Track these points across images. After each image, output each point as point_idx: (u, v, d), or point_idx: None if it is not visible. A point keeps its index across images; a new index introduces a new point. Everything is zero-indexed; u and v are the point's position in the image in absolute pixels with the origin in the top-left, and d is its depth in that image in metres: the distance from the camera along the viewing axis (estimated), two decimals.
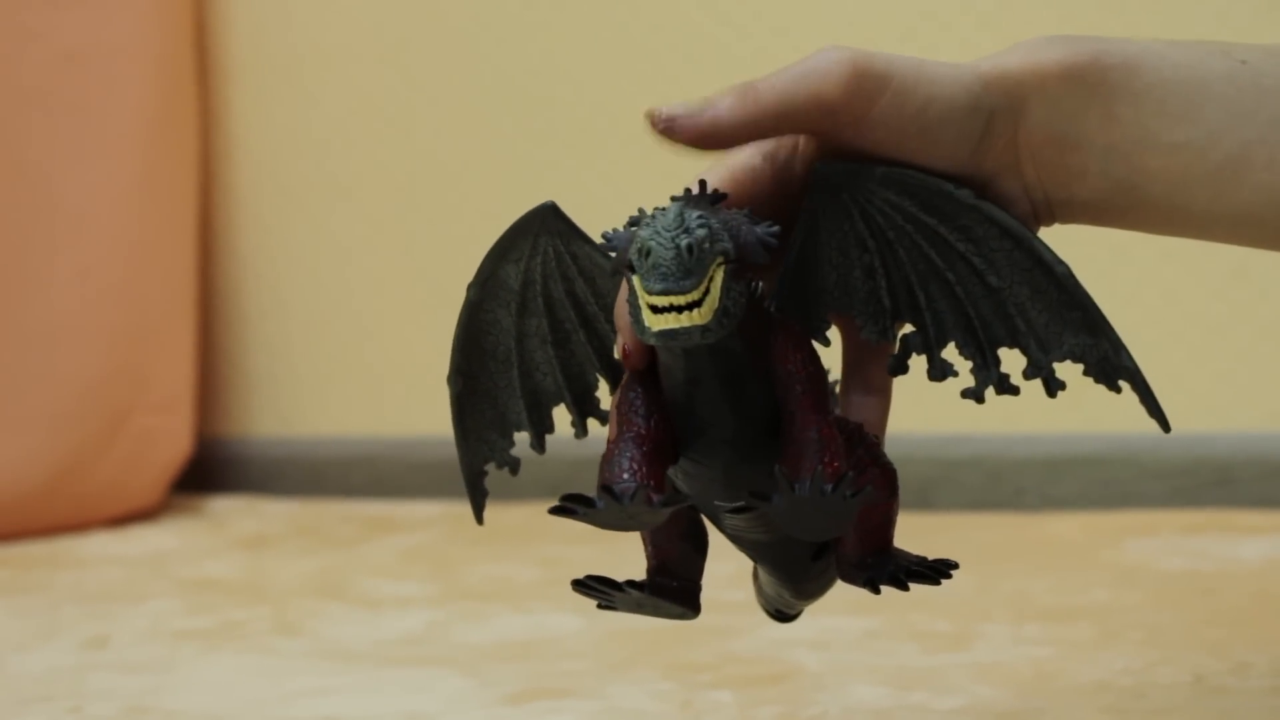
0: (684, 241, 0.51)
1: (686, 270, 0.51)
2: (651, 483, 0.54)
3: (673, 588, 0.60)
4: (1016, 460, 1.43)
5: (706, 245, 0.51)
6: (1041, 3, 1.41)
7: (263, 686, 0.91)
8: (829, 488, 0.52)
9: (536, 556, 1.30)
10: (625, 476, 0.54)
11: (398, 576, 1.27)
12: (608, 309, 0.62)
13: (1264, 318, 1.36)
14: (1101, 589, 1.06)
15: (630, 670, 0.88)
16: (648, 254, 0.51)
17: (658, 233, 0.52)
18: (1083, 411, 1.38)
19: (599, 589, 0.58)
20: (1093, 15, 1.38)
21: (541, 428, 0.65)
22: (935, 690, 0.81)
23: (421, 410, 1.71)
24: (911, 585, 0.59)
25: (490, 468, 0.66)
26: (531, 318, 0.63)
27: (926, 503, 1.44)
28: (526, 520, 1.49)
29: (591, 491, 0.53)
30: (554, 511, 0.53)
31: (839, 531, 0.55)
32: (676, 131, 0.57)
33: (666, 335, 0.52)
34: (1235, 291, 1.36)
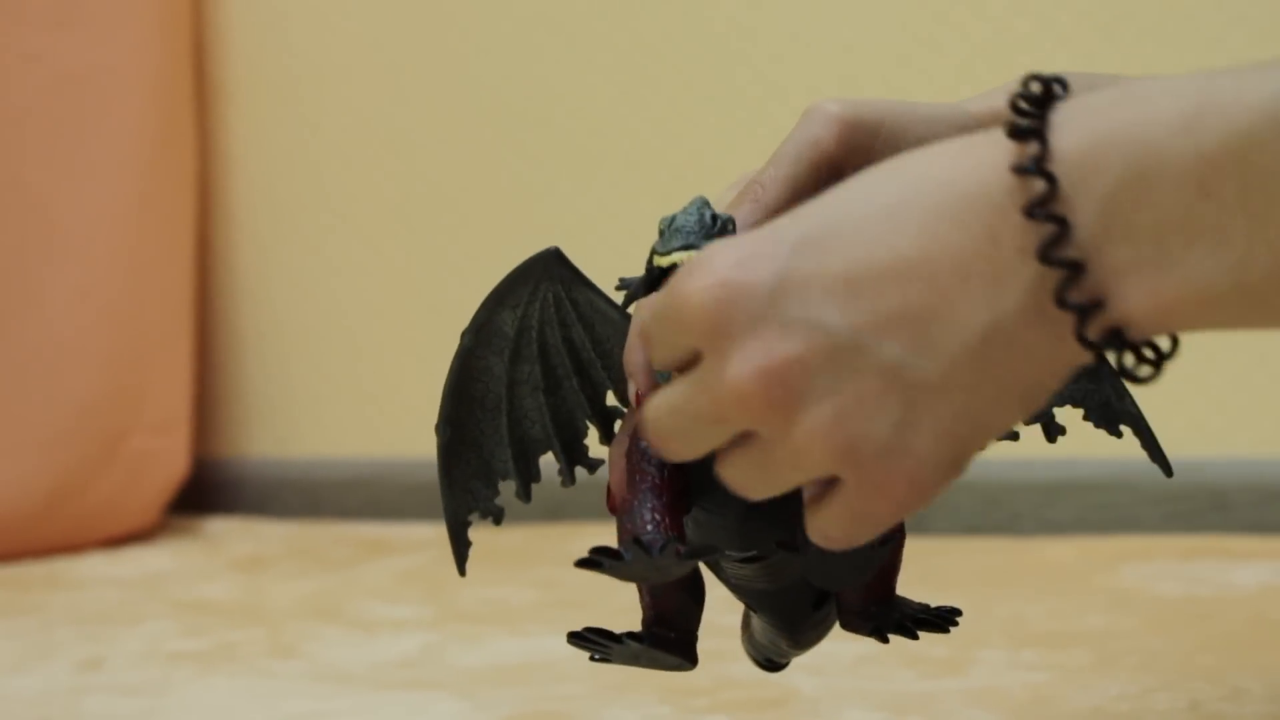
0: (709, 213, 0.52)
1: (709, 234, 0.51)
2: (675, 534, 0.54)
3: (670, 639, 0.59)
4: (1013, 484, 1.43)
5: (730, 228, 0.52)
6: (1036, 32, 1.41)
7: (258, 708, 0.91)
8: None
9: (533, 579, 1.30)
10: (650, 529, 0.54)
11: (393, 599, 1.27)
12: (605, 355, 0.62)
13: (1260, 344, 1.36)
14: (1097, 614, 1.06)
15: (626, 694, 0.88)
16: (671, 222, 0.52)
17: (682, 212, 0.53)
18: (1079, 436, 1.38)
19: (596, 641, 0.58)
20: (1087, 43, 1.38)
21: (528, 477, 0.64)
22: (930, 715, 0.81)
23: (417, 432, 1.71)
24: (920, 634, 0.59)
25: (474, 518, 0.65)
26: (524, 364, 0.63)
27: (922, 526, 1.44)
28: (523, 543, 1.48)
29: (589, 528, 0.54)
30: (581, 565, 0.52)
31: (861, 580, 0.54)
32: None
33: None
34: None
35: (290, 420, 1.82)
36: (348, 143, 1.77)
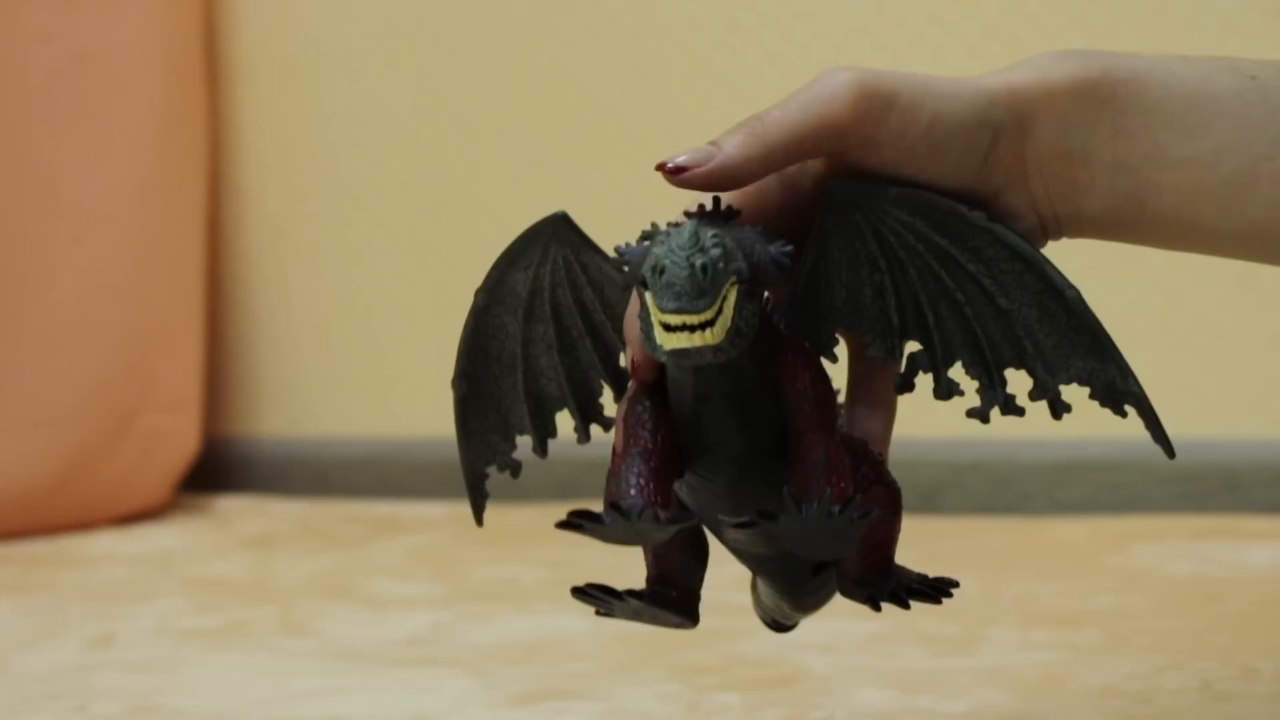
0: (699, 261, 0.51)
1: (700, 290, 0.51)
2: (659, 499, 0.54)
3: (672, 598, 0.60)
4: (1023, 465, 1.43)
5: (721, 265, 0.51)
6: (1049, 11, 1.41)
7: (268, 686, 0.91)
8: (836, 510, 0.52)
9: (543, 557, 1.30)
10: (632, 493, 0.54)
11: (403, 577, 1.27)
12: (615, 318, 0.62)
13: (1271, 324, 1.36)
14: (1108, 594, 1.06)
15: (636, 672, 0.88)
16: (662, 272, 0.51)
17: (672, 250, 0.52)
18: (1089, 416, 1.38)
19: (598, 597, 0.58)
20: (1100, 23, 1.38)
21: (544, 432, 0.65)
22: (941, 694, 0.81)
23: (428, 411, 1.71)
24: (912, 603, 0.59)
25: (491, 470, 0.66)
26: (538, 324, 0.63)
27: (933, 507, 1.44)
28: (533, 521, 1.48)
29: (598, 503, 0.54)
30: (561, 526, 0.53)
31: (844, 552, 0.55)
32: (688, 180, 0.57)
33: (679, 354, 0.52)
34: (1243, 298, 1.36)
35: (301, 399, 1.83)
36: (359, 123, 1.77)
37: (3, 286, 1.63)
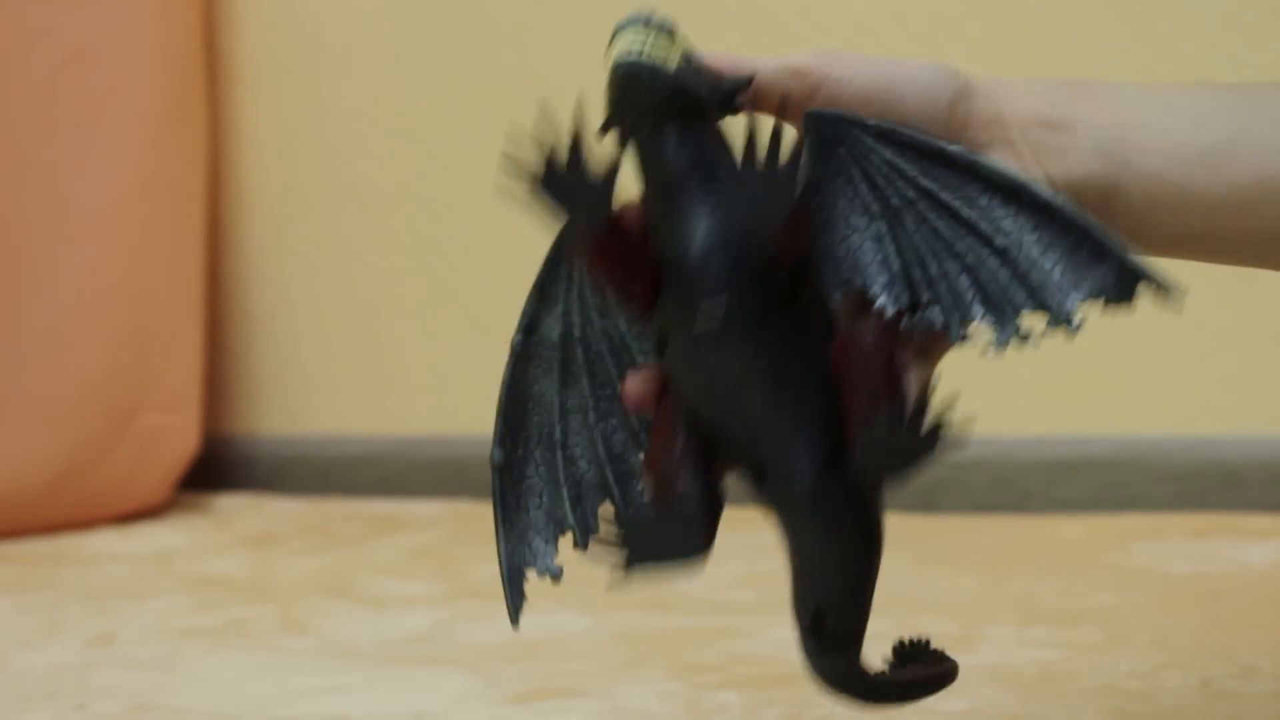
0: (654, 19, 0.58)
1: (655, 27, 0.58)
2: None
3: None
4: (1023, 463, 1.43)
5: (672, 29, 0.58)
6: (1045, 8, 1.41)
7: (268, 685, 0.91)
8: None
9: None
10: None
11: (403, 575, 1.27)
12: (640, 338, 0.62)
13: (1271, 322, 1.35)
14: (1108, 592, 1.06)
15: (636, 670, 0.88)
16: (619, 31, 0.58)
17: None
18: (1090, 414, 1.38)
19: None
20: (1100, 23, 1.38)
21: (586, 526, 0.63)
22: (941, 692, 0.80)
23: (428, 409, 1.71)
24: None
25: (531, 573, 0.63)
26: (573, 386, 0.62)
27: (932, 505, 1.44)
28: None
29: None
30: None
31: (929, 459, 0.54)
32: None
33: (625, 63, 0.59)
34: (1242, 295, 1.36)
35: (300, 397, 1.83)
36: (359, 121, 1.77)
37: (2, 286, 1.63)
